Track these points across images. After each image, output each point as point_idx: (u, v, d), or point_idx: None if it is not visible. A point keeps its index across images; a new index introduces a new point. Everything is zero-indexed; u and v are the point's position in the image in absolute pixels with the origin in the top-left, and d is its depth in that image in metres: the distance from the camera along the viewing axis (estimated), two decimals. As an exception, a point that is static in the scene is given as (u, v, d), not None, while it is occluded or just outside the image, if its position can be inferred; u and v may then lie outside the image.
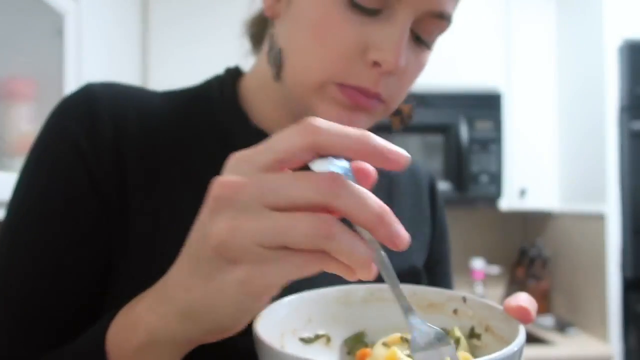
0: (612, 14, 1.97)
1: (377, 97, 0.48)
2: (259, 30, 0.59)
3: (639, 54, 1.93)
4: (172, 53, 2.09)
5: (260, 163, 0.30)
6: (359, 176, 0.32)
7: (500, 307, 0.38)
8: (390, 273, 0.33)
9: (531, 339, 2.03)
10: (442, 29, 0.49)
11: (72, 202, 0.47)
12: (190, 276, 0.32)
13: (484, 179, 2.14)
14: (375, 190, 0.61)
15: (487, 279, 2.44)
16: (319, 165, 0.31)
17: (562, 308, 2.26)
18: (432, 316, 0.42)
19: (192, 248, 0.32)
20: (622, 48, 1.95)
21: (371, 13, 0.45)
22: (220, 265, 0.30)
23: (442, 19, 0.48)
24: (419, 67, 0.51)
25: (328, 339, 0.42)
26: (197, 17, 2.11)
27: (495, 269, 2.39)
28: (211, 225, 0.30)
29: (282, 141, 0.30)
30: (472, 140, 2.14)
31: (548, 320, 2.16)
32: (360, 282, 0.40)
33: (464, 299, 0.41)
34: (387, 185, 0.63)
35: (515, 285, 2.36)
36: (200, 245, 0.31)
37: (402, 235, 0.30)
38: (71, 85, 1.46)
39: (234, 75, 0.58)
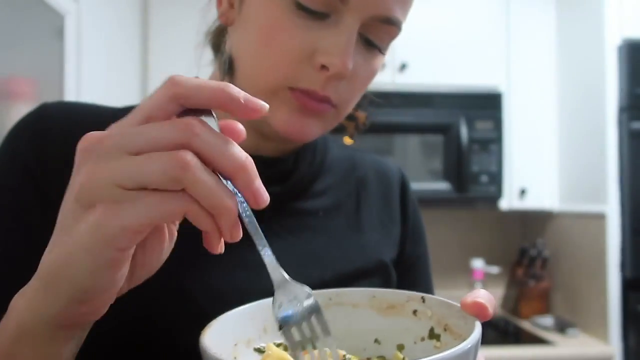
0: (612, 13, 1.97)
1: (326, 100, 0.49)
2: (219, 40, 0.60)
3: (639, 53, 1.93)
4: (172, 53, 2.08)
5: (128, 121, 0.31)
6: (227, 133, 0.32)
7: (458, 305, 0.38)
8: (255, 226, 0.32)
9: (531, 338, 2.03)
10: (391, 35, 0.50)
11: (21, 224, 0.47)
12: (54, 236, 0.31)
13: (484, 179, 2.14)
14: (343, 190, 0.62)
15: (487, 279, 2.44)
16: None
17: (562, 308, 2.26)
18: (392, 319, 0.42)
19: (61, 209, 0.32)
20: (622, 48, 1.95)
21: (318, 17, 0.46)
22: (78, 214, 0.29)
23: (390, 24, 0.49)
24: (370, 71, 0.52)
25: (286, 348, 0.40)
26: (196, 17, 2.11)
27: (495, 269, 2.39)
28: (74, 178, 0.30)
29: (148, 99, 0.31)
30: (472, 140, 2.14)
31: (548, 320, 2.16)
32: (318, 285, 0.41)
33: (423, 299, 0.41)
34: (355, 185, 0.64)
35: (515, 285, 2.36)
36: (65, 200, 0.31)
37: (264, 193, 0.30)
38: (71, 84, 1.46)
39: None
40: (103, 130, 0.51)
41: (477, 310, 0.35)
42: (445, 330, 0.39)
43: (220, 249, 0.32)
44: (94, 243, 0.29)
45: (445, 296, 0.41)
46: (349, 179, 0.64)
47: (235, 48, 0.51)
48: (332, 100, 0.49)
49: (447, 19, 2.22)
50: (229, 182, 0.31)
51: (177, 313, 0.47)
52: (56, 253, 0.30)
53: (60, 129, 0.51)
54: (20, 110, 1.21)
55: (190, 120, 0.29)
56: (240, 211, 0.31)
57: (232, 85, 0.30)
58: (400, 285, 0.63)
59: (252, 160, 0.30)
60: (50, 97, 1.35)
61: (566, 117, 2.22)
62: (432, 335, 0.40)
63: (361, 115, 0.63)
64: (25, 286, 0.33)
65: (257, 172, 0.30)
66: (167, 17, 2.11)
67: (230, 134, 0.32)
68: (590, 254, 2.05)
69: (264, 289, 0.51)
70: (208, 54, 0.61)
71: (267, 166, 0.55)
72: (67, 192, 0.31)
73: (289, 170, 0.57)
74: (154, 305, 0.46)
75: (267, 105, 0.31)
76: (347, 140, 0.65)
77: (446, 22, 2.22)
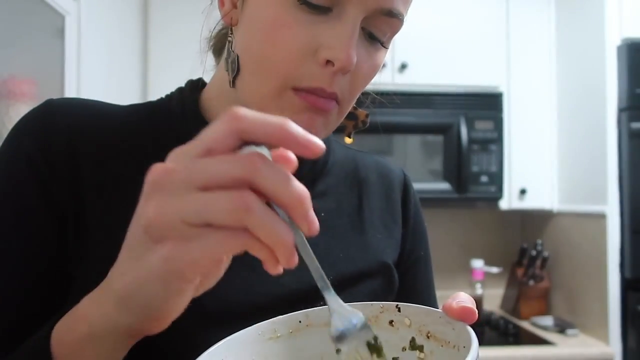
0: (612, 13, 1.97)
1: (333, 97, 0.48)
2: (222, 43, 0.60)
3: (639, 53, 1.93)
4: (172, 53, 2.09)
5: (192, 152, 0.32)
6: (280, 162, 0.33)
7: (439, 311, 0.37)
8: (310, 255, 0.34)
9: (531, 339, 2.03)
10: (394, 28, 0.50)
11: (23, 215, 0.48)
12: (125, 261, 0.34)
13: (484, 179, 2.14)
14: (346, 191, 0.62)
15: (487, 279, 2.44)
16: (244, 152, 0.32)
17: (562, 308, 2.26)
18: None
19: (129, 234, 0.34)
20: (622, 48, 1.95)
21: (321, 12, 0.46)
22: (149, 245, 0.32)
23: (392, 17, 0.48)
24: (373, 66, 0.51)
25: None
26: (197, 18, 2.11)
27: (495, 269, 2.39)
28: (143, 209, 0.32)
29: (210, 130, 0.32)
30: (472, 140, 2.14)
31: (548, 320, 2.16)
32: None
33: (398, 308, 0.39)
34: (357, 186, 0.64)
35: (515, 285, 2.36)
36: (133, 229, 0.33)
37: (316, 222, 0.31)
38: (71, 84, 1.46)
39: (196, 86, 0.58)
40: (107, 128, 0.53)
41: (465, 314, 0.35)
42: (428, 338, 0.38)
43: (279, 270, 0.33)
44: (164, 275, 0.31)
45: (445, 296, 0.40)
46: (351, 180, 0.64)
47: (240, 48, 0.50)
48: (338, 96, 0.49)
49: (447, 19, 2.22)
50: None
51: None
52: (130, 278, 0.33)
53: (65, 125, 0.51)
54: (20, 110, 1.21)
55: (251, 156, 0.30)
56: (297, 242, 0.32)
57: (292, 124, 0.31)
58: (401, 286, 0.63)
59: (308, 192, 0.31)
60: (51, 97, 1.34)
61: (566, 117, 2.22)
62: (414, 346, 0.38)
63: (361, 113, 0.62)
64: (97, 294, 0.36)
65: (311, 203, 0.31)
66: (167, 17, 2.12)
67: (284, 163, 0.33)
68: (590, 254, 2.05)
69: (265, 289, 0.51)
70: (210, 58, 0.61)
71: None
72: (135, 220, 0.33)
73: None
74: None
75: (323, 146, 0.31)
76: (347, 140, 0.65)
77: (446, 22, 2.22)
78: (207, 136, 0.32)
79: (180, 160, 0.32)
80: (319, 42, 0.46)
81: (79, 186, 0.50)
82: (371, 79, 0.52)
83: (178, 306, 0.34)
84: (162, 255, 0.31)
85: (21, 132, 0.51)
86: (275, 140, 0.31)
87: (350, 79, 0.49)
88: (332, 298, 0.35)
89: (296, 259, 0.32)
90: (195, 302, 0.48)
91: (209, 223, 0.30)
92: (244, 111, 0.31)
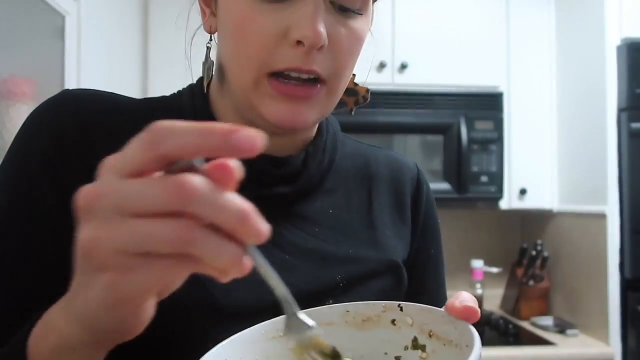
0: (612, 13, 1.97)
1: (313, 73, 0.49)
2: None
3: (639, 53, 1.93)
4: (172, 53, 2.08)
5: (120, 170, 0.29)
6: (219, 175, 0.28)
7: (441, 310, 0.37)
8: (267, 268, 0.32)
9: (531, 339, 2.03)
10: None
11: (35, 208, 0.48)
12: (75, 285, 0.32)
13: (484, 179, 2.14)
14: (355, 188, 0.62)
15: (487, 279, 2.44)
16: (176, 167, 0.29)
17: (562, 308, 2.26)
18: (370, 331, 0.40)
19: (76, 258, 0.32)
20: (621, 48, 1.95)
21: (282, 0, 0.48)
22: (91, 272, 0.30)
23: None
24: (353, 36, 0.51)
25: None
26: (197, 17, 2.10)
27: (495, 269, 2.39)
28: (79, 236, 0.30)
29: (132, 152, 0.29)
30: (472, 140, 2.14)
31: (548, 320, 2.16)
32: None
33: (400, 307, 0.39)
34: (367, 183, 0.63)
35: (515, 285, 2.35)
36: (77, 254, 0.31)
37: (263, 228, 0.28)
38: (71, 84, 1.46)
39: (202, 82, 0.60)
40: (120, 118, 0.54)
41: (467, 314, 0.35)
42: (430, 336, 0.38)
43: (229, 279, 0.30)
44: (113, 302, 0.30)
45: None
46: (361, 176, 0.63)
47: (220, 52, 0.53)
48: (318, 73, 0.49)
49: (447, 19, 2.22)
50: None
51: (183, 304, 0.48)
52: (83, 304, 0.31)
53: (77, 116, 0.51)
54: (20, 110, 1.21)
55: (180, 184, 0.27)
56: (251, 252, 0.30)
57: (216, 125, 0.27)
58: (410, 286, 0.62)
59: (248, 205, 0.28)
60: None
61: (566, 117, 2.22)
62: (416, 345, 0.39)
63: (362, 88, 0.62)
64: (64, 306, 0.34)
65: (254, 213, 0.28)
66: (167, 17, 2.11)
67: (222, 176, 0.28)
68: (590, 254, 2.05)
69: (265, 299, 0.51)
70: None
71: (276, 166, 0.55)
72: (76, 246, 0.31)
73: (298, 170, 0.57)
74: None
75: (262, 137, 0.28)
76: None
77: (446, 22, 2.22)
78: (132, 158, 0.29)
79: (108, 182, 0.29)
80: (287, 25, 0.47)
81: (92, 178, 0.50)
82: (356, 50, 0.52)
83: (141, 321, 0.32)
84: (105, 283, 0.29)
85: (35, 124, 0.51)
86: (204, 150, 0.28)
87: (333, 55, 0.50)
88: (291, 311, 0.34)
89: (247, 269, 0.30)
90: (209, 298, 0.48)
91: (149, 253, 0.28)
92: (161, 132, 0.28)
